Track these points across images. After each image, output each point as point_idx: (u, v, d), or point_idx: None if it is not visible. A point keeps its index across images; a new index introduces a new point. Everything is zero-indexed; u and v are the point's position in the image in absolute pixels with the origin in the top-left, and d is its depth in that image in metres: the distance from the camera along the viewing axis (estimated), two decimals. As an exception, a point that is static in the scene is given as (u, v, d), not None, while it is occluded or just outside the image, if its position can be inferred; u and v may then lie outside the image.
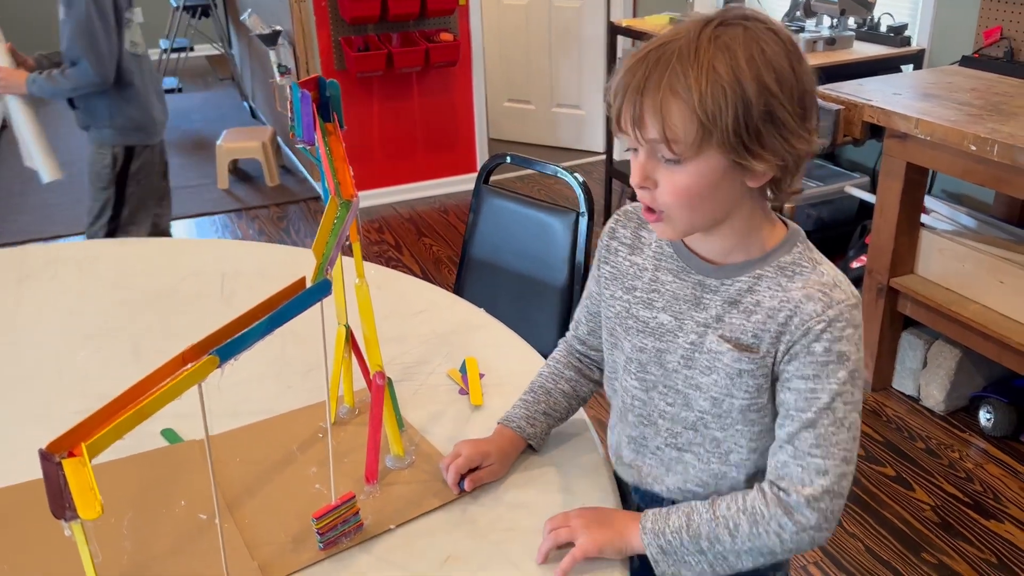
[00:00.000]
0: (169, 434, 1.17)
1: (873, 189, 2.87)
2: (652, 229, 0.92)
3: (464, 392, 1.25)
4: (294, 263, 1.70)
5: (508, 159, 1.74)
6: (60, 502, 0.64)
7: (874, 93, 2.30)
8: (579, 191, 1.61)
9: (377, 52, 3.70)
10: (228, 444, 1.15)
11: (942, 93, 2.28)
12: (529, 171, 4.18)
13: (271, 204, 4.16)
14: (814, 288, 0.87)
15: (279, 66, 4.03)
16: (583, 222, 1.59)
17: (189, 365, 0.76)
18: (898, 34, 2.84)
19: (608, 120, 3.70)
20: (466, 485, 1.03)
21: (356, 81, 3.81)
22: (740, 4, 0.89)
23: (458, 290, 1.78)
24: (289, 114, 1.04)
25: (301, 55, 3.82)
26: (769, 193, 0.89)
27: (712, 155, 0.81)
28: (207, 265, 1.67)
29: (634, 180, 0.86)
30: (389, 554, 0.97)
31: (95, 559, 0.69)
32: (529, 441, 1.10)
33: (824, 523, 0.88)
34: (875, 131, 2.31)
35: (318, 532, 0.95)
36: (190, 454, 1.13)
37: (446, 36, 3.83)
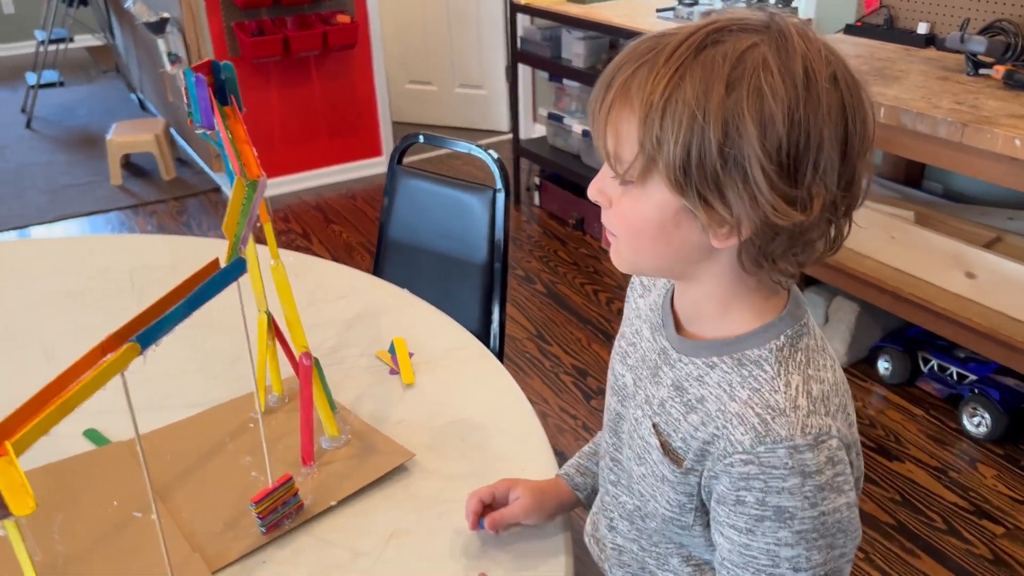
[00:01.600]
0: (93, 435, 1.14)
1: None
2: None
3: (395, 372, 1.26)
4: (205, 255, 1.64)
5: (421, 139, 1.74)
6: (-9, 502, 0.63)
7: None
8: (494, 168, 1.63)
9: (272, 37, 3.61)
10: (157, 440, 1.12)
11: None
12: (436, 153, 4.18)
13: (169, 198, 4.02)
14: (754, 408, 0.68)
15: (169, 55, 3.89)
16: (500, 198, 1.60)
17: (109, 355, 0.75)
18: (786, 5, 2.95)
19: (514, 100, 3.73)
20: (486, 524, 0.92)
21: (252, 67, 3.71)
22: (785, 11, 0.71)
23: (377, 274, 1.77)
24: (185, 100, 1.02)
25: (192, 42, 3.70)
26: (752, 268, 0.69)
27: (660, 188, 0.66)
28: (115, 262, 1.62)
29: (590, 191, 0.73)
30: (332, 534, 0.97)
31: (33, 557, 0.67)
32: (577, 491, 0.98)
33: None
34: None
35: (258, 516, 0.95)
36: (118, 455, 1.10)
37: (343, 18, 3.77)
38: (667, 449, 0.76)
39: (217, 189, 4.06)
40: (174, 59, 3.92)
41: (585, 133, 3.28)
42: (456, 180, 1.70)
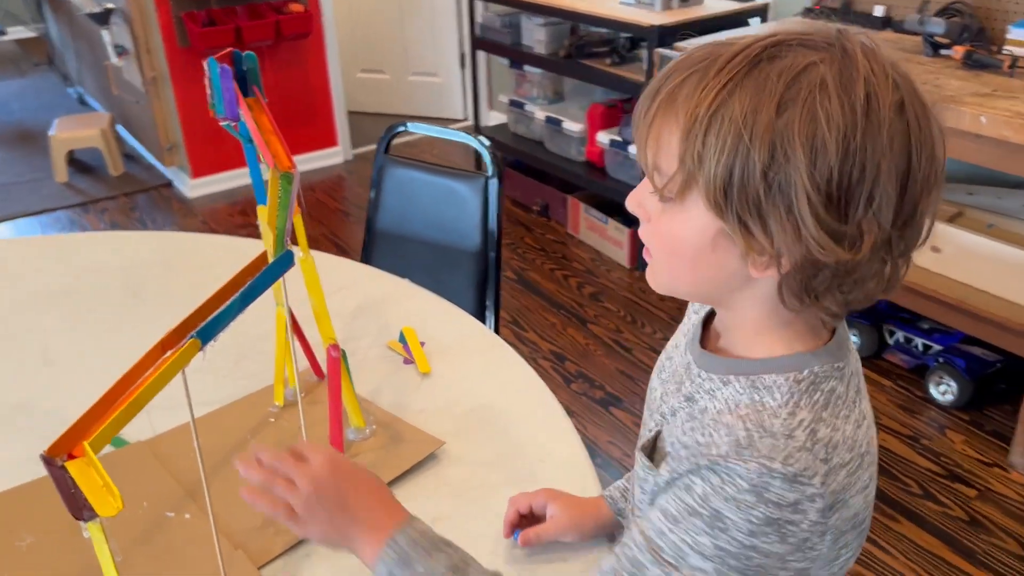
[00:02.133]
0: (108, 436, 1.11)
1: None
2: None
3: (408, 361, 1.26)
4: (196, 251, 1.63)
5: (407, 126, 1.73)
6: (75, 504, 0.62)
7: (733, 46, 2.44)
8: (486, 154, 1.63)
9: (224, 27, 3.54)
10: (175, 440, 1.11)
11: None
12: (404, 140, 4.14)
13: (119, 194, 3.91)
14: (747, 423, 0.63)
15: (116, 47, 3.78)
16: (493, 185, 1.61)
17: (169, 352, 0.74)
18: (742, -10, 3.00)
19: (475, 87, 3.72)
20: (519, 539, 0.90)
21: (203, 58, 3.62)
22: (856, 30, 0.62)
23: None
24: (208, 91, 1.00)
25: (139, 34, 3.60)
26: (793, 303, 0.64)
27: (699, 209, 0.62)
28: (105, 260, 1.58)
29: (628, 202, 0.68)
30: (373, 525, 0.97)
31: (115, 558, 0.66)
32: (619, 517, 0.92)
33: None
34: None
35: (299, 512, 0.94)
36: (139, 455, 1.08)
37: (296, 7, 3.71)
38: (651, 450, 0.71)
39: (168, 184, 3.97)
40: (120, 51, 3.81)
41: (549, 119, 3.29)
42: (446, 168, 1.70)
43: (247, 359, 1.29)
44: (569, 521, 0.90)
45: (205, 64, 0.97)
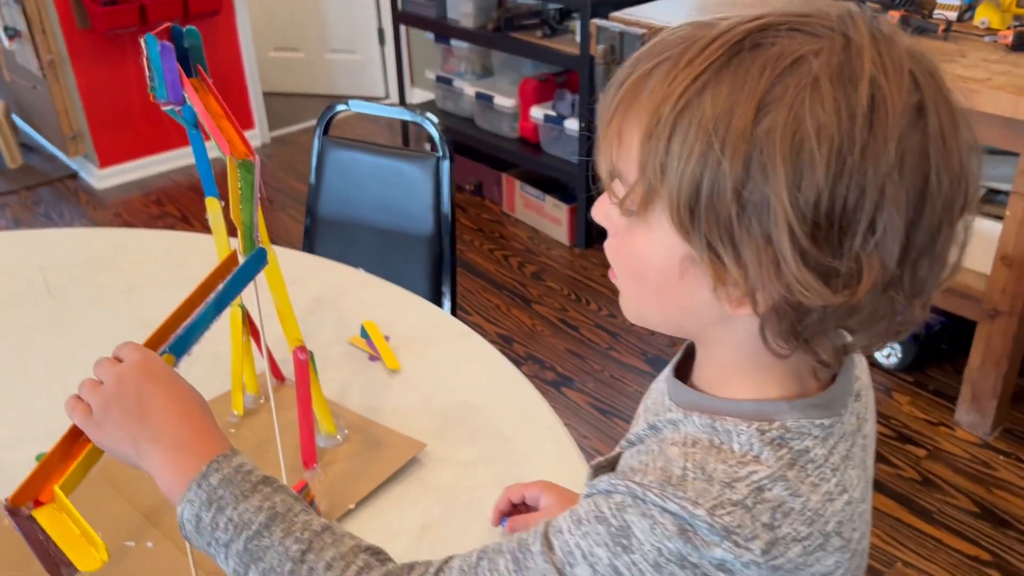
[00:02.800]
0: (48, 459, 1.00)
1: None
2: None
3: (374, 358, 1.18)
4: (121, 247, 1.50)
5: (348, 105, 1.63)
6: (49, 559, 0.53)
7: (671, 16, 2.40)
8: (435, 133, 1.55)
9: (127, 5, 3.32)
10: (126, 457, 1.00)
11: (730, 12, 2.42)
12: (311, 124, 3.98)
13: (20, 188, 3.66)
14: (690, 461, 0.52)
15: (6, 29, 3.51)
16: (445, 166, 1.53)
17: (140, 372, 0.65)
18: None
19: (400, 63, 3.60)
20: (507, 526, 0.88)
21: (106, 40, 3.40)
22: (868, 13, 0.48)
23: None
24: (148, 73, 0.89)
25: (33, 14, 3.34)
26: (779, 345, 0.52)
27: (663, 227, 0.51)
28: (20, 260, 1.44)
29: (594, 212, 0.58)
30: (361, 536, 0.89)
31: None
32: None
33: None
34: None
35: (278, 532, 0.86)
36: (88, 482, 0.97)
37: (204, -17, 3.51)
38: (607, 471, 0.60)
39: (74, 175, 3.73)
40: (12, 34, 3.55)
41: (479, 96, 3.20)
42: (394, 149, 1.62)
43: (195, 365, 1.18)
44: (561, 505, 0.84)
45: (142, 41, 0.86)
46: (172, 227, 3.25)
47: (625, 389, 2.30)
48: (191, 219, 3.31)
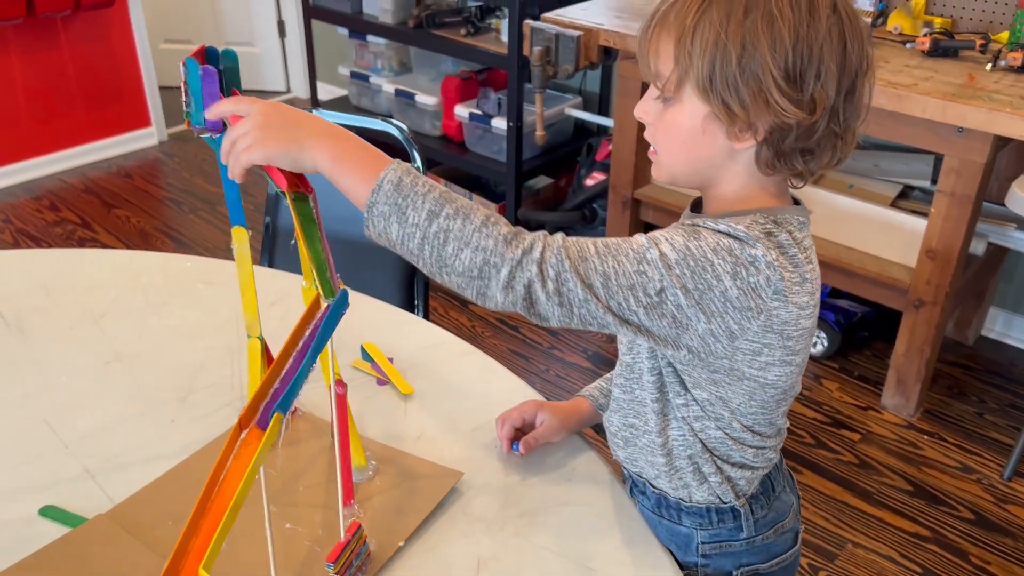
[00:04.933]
0: (55, 513, 0.93)
1: (586, 109, 3.06)
2: None
3: (382, 382, 1.14)
4: (75, 270, 1.40)
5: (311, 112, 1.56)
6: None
7: (601, 17, 2.42)
8: (403, 140, 1.51)
9: (11, -6, 3.07)
10: (142, 506, 0.94)
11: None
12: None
13: None
14: (720, 220, 0.80)
15: None
16: (419, 176, 1.49)
17: (244, 433, 0.61)
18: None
19: (311, 59, 3.48)
20: (521, 447, 1.01)
21: (-13, 31, 3.15)
22: None
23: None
24: (184, 98, 0.84)
25: (-101, 3, 3.05)
26: (768, 168, 0.81)
27: (692, 99, 0.79)
28: (-34, 289, 1.31)
29: (636, 111, 0.85)
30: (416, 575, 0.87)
31: None
32: (600, 411, 1.05)
33: (532, 256, 0.74)
34: (607, 53, 2.44)
35: (336, 576, 0.83)
36: (101, 531, 0.90)
37: (94, -28, 3.28)
38: None
39: (-50, 177, 3.43)
40: None
41: (399, 92, 3.14)
42: (363, 159, 1.56)
43: (196, 395, 1.12)
44: (559, 423, 1.04)
45: (182, 65, 0.80)
46: (71, 233, 3.04)
47: (571, 387, 2.32)
48: (92, 224, 3.11)
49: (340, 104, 3.45)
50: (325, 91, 3.93)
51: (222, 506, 0.54)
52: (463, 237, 0.74)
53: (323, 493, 0.97)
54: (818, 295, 0.84)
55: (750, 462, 0.93)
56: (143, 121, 3.75)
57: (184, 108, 0.82)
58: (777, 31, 0.74)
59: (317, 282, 0.76)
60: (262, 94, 4.28)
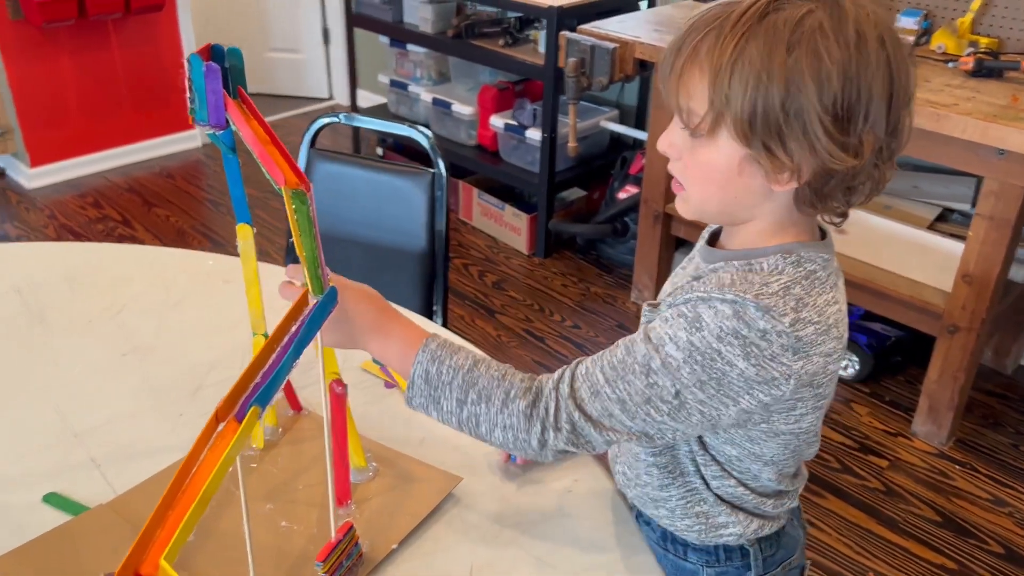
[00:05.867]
0: (58, 500, 0.94)
1: (622, 122, 3.05)
2: None
3: (390, 385, 1.14)
4: (100, 264, 1.42)
5: (340, 118, 1.58)
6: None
7: (638, 30, 2.41)
8: (428, 147, 1.52)
9: (64, -3, 3.16)
10: (144, 498, 0.95)
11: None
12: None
13: (-60, 186, 3.44)
14: (734, 275, 0.76)
15: (-72, 17, 3.29)
16: (441, 181, 1.50)
17: (221, 425, 0.61)
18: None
19: (352, 66, 3.53)
20: (518, 459, 1.00)
21: (41, 32, 3.23)
22: None
23: (294, 269, 1.61)
24: (189, 95, 0.85)
25: (-42, 3, 3.15)
26: (807, 207, 0.77)
27: (727, 140, 0.73)
28: (-8, 278, 1.34)
29: (659, 144, 0.79)
30: (408, 581, 0.87)
31: None
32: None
33: (548, 421, 0.79)
34: (643, 66, 2.43)
35: (326, 575, 0.83)
36: (103, 521, 0.91)
37: (145, -23, 3.36)
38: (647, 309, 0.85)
39: (1, 174, 3.53)
40: (-66, 22, 3.33)
41: (436, 101, 3.16)
42: (387, 164, 1.58)
43: (204, 391, 1.13)
44: None
45: (186, 62, 0.81)
46: (112, 231, 3.10)
47: (594, 402, 2.30)
48: (132, 222, 3.18)
49: (379, 111, 3.49)
50: (365, 98, 3.97)
51: (191, 498, 0.54)
52: (491, 419, 0.81)
53: (322, 493, 0.96)
54: (845, 334, 0.80)
55: (770, 512, 0.90)
56: (187, 123, 3.81)
57: (189, 105, 0.83)
58: (824, 70, 0.68)
59: (307, 277, 0.75)
60: (308, 100, 4.35)
